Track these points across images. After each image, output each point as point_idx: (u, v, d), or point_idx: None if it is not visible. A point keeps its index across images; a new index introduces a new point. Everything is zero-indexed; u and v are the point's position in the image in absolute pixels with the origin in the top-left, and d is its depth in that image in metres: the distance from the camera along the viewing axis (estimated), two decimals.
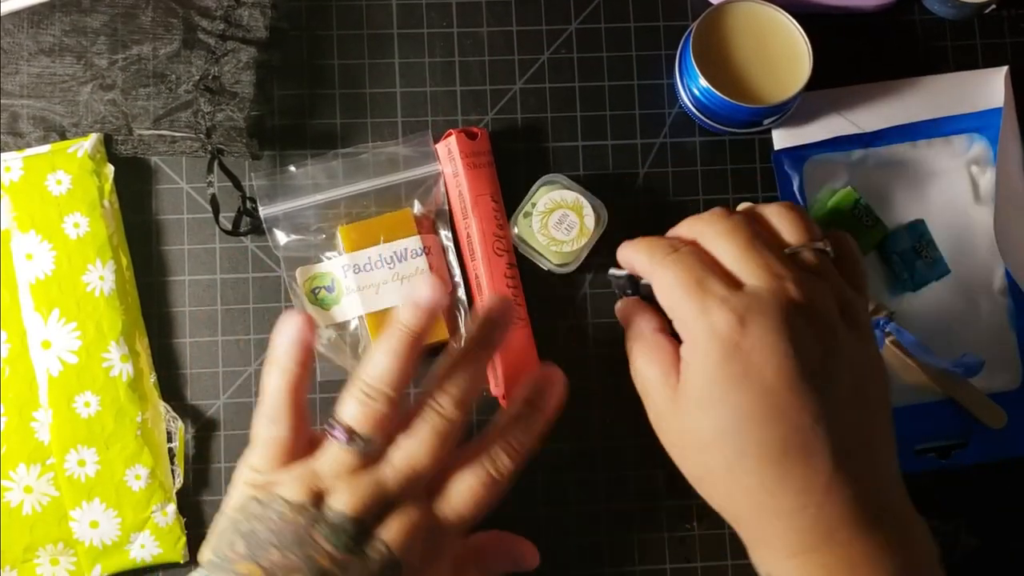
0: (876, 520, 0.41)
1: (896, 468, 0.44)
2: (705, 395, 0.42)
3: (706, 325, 0.42)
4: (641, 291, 0.49)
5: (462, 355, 0.46)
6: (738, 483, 0.42)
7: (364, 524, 0.43)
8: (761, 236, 0.44)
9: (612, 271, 0.50)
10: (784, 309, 0.41)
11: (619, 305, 0.50)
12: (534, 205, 0.54)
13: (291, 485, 0.44)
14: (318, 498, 0.43)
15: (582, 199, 0.54)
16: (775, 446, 0.41)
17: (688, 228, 0.46)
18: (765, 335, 0.41)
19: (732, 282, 0.43)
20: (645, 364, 0.45)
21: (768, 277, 0.42)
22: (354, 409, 0.44)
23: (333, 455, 0.44)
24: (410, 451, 0.44)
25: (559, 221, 0.54)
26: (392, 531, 0.43)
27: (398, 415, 0.45)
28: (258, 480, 0.45)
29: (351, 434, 0.44)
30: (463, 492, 0.45)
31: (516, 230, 0.54)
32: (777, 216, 0.46)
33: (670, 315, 0.44)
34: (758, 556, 0.44)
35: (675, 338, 0.45)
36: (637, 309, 0.48)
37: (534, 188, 0.55)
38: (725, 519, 0.45)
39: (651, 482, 0.55)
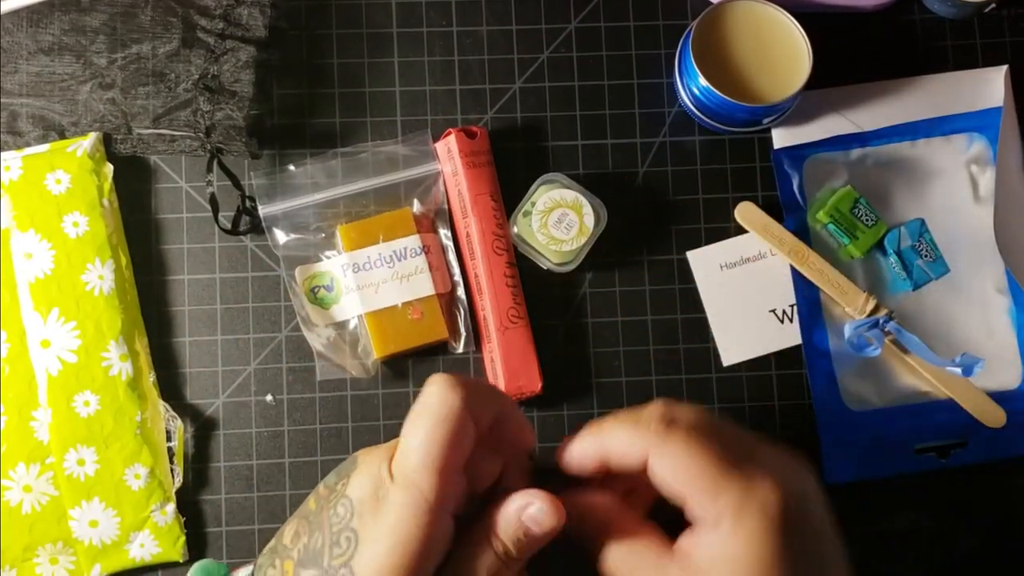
0: None
1: None
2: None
3: (746, 499, 0.36)
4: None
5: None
6: None
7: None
8: None
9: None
10: (812, 473, 0.38)
11: (565, 502, 0.39)
12: (533, 204, 0.54)
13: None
14: None
15: (581, 198, 0.54)
16: None
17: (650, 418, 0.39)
18: (816, 500, 0.37)
19: (749, 455, 0.38)
20: (636, 551, 0.39)
21: (777, 451, 0.38)
22: None
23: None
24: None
25: (559, 220, 0.54)
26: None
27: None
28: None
29: None
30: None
31: (516, 229, 0.54)
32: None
33: (684, 490, 0.37)
34: None
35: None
36: (594, 497, 0.40)
37: (533, 187, 0.55)
38: None
39: None
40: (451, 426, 0.37)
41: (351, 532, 0.37)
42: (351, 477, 0.39)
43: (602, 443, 0.39)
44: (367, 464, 0.39)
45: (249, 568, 0.42)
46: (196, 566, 0.47)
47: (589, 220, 0.54)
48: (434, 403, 0.37)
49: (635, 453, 0.38)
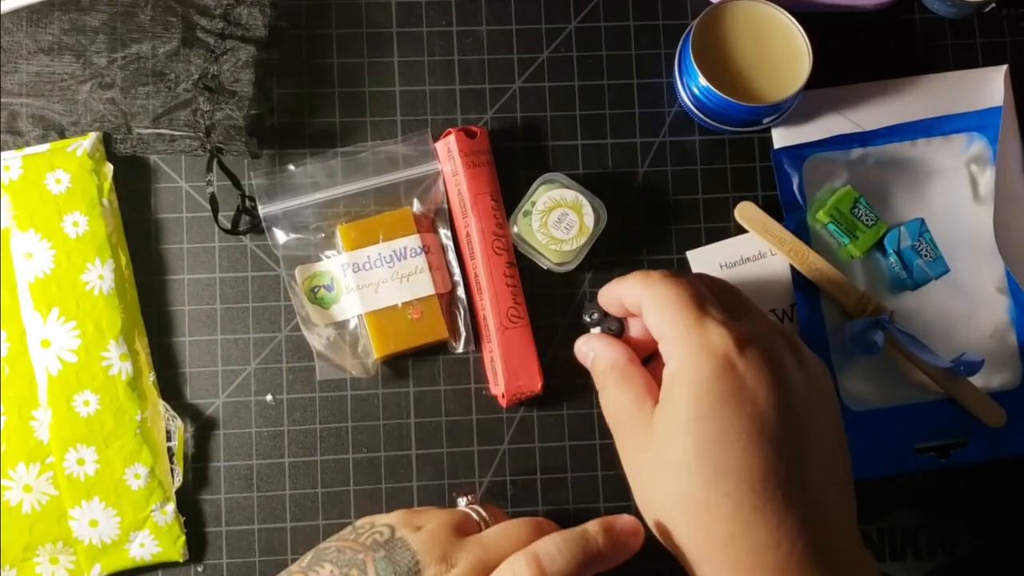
0: (838, 561, 0.40)
1: (854, 508, 0.43)
2: (691, 411, 0.40)
3: (703, 340, 0.41)
4: (614, 328, 0.49)
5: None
6: (711, 510, 0.40)
7: (415, 564, 0.42)
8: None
9: (588, 314, 0.50)
10: (780, 342, 0.43)
11: (581, 341, 0.50)
12: (533, 204, 0.54)
13: (395, 516, 0.46)
14: (407, 531, 0.44)
15: (581, 198, 0.54)
16: (757, 472, 0.39)
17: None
18: (762, 360, 0.41)
19: (728, 313, 0.44)
20: (618, 391, 0.45)
21: (762, 315, 0.45)
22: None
23: (448, 510, 0.46)
24: (502, 532, 0.43)
25: (558, 220, 0.54)
26: None
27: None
28: None
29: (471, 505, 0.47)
30: None
31: (515, 229, 0.54)
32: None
33: (658, 331, 0.44)
34: None
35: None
36: (604, 341, 0.49)
37: (533, 187, 0.55)
38: (686, 563, 0.42)
39: None
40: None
41: None
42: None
43: (618, 288, 0.47)
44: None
45: None
46: None
47: (589, 220, 0.54)
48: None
49: (635, 298, 0.45)
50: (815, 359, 0.45)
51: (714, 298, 0.44)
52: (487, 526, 0.46)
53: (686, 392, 0.41)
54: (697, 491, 0.40)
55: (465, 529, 0.45)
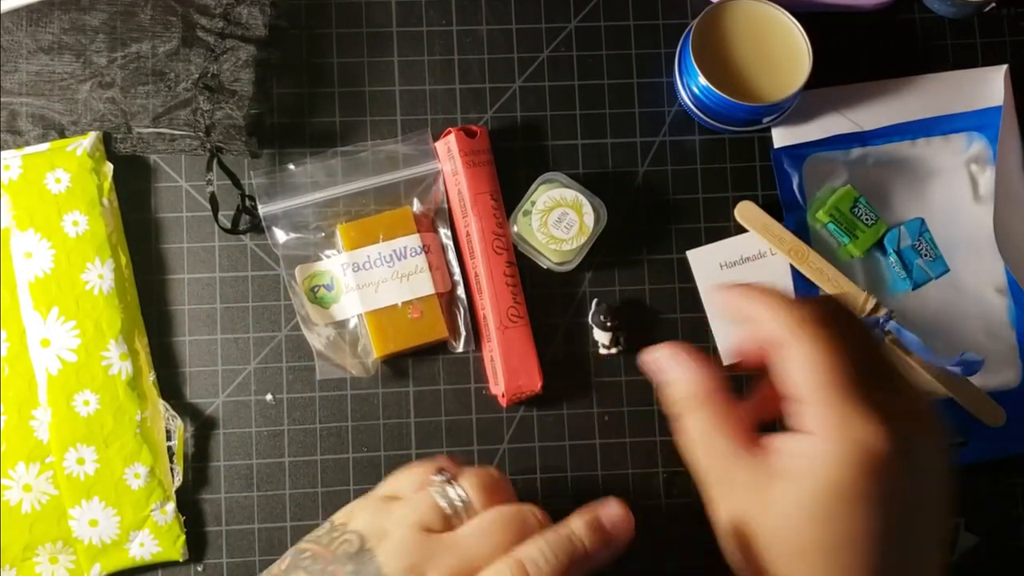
0: None
1: None
2: (822, 508, 0.36)
3: (854, 435, 0.35)
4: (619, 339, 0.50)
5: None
6: None
7: None
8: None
9: (597, 318, 0.52)
10: (931, 439, 0.37)
11: (654, 354, 0.42)
12: (533, 203, 0.54)
13: (366, 516, 0.43)
14: (375, 540, 0.42)
15: (581, 197, 0.54)
16: (871, 568, 0.37)
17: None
18: (908, 466, 0.36)
19: (886, 386, 0.37)
20: (706, 434, 0.39)
21: (915, 398, 0.37)
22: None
23: (420, 501, 0.43)
24: (477, 553, 0.41)
25: (559, 219, 0.54)
26: None
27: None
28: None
29: (447, 489, 0.43)
30: None
31: (516, 228, 0.54)
32: None
33: (798, 393, 0.37)
34: None
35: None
36: (686, 362, 0.41)
37: (534, 186, 0.55)
38: None
39: (650, 480, 0.55)
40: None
41: None
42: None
43: (757, 308, 0.39)
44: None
45: None
46: None
47: (589, 219, 0.54)
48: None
49: (774, 331, 0.38)
50: (944, 446, 0.39)
51: (870, 373, 0.37)
52: (467, 509, 0.44)
53: (823, 487, 0.36)
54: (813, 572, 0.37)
55: (440, 524, 0.43)
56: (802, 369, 0.37)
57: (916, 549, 0.37)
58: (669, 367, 0.41)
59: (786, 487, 0.37)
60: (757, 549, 0.39)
